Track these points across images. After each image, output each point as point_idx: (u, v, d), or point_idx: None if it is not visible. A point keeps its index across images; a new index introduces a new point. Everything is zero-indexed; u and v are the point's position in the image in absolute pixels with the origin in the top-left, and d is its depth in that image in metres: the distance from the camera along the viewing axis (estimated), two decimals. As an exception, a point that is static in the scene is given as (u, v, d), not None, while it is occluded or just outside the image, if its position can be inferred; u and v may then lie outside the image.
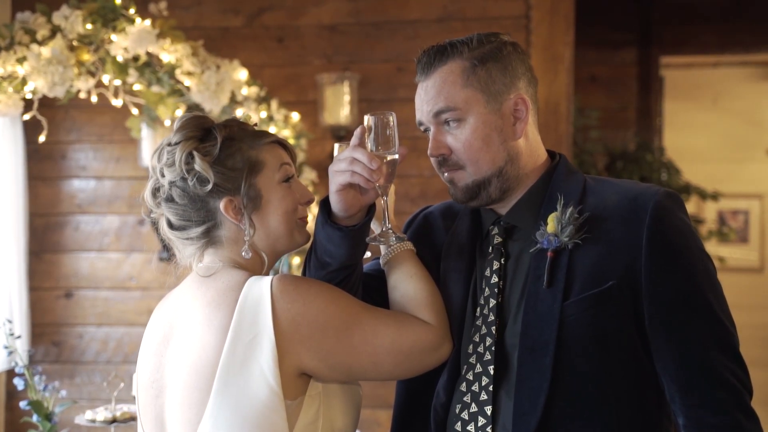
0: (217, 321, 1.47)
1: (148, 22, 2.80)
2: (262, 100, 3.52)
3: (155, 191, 1.59)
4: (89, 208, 4.16)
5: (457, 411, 1.57)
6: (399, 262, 1.64)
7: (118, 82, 2.83)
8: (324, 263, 1.60)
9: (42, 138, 2.89)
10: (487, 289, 1.60)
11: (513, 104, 1.58)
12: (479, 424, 1.54)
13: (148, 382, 1.58)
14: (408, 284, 1.61)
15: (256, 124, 1.65)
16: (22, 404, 2.92)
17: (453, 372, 1.60)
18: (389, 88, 3.96)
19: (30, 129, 3.87)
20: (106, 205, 4.15)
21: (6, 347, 2.94)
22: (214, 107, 3.06)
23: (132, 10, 2.78)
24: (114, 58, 2.74)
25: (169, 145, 1.57)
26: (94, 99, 2.85)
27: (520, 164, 1.60)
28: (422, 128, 1.63)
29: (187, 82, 2.97)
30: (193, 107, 3.08)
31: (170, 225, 1.59)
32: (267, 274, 1.60)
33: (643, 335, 1.50)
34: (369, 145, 1.55)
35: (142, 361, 1.61)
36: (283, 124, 3.64)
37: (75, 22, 2.65)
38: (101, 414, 3.08)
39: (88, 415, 3.10)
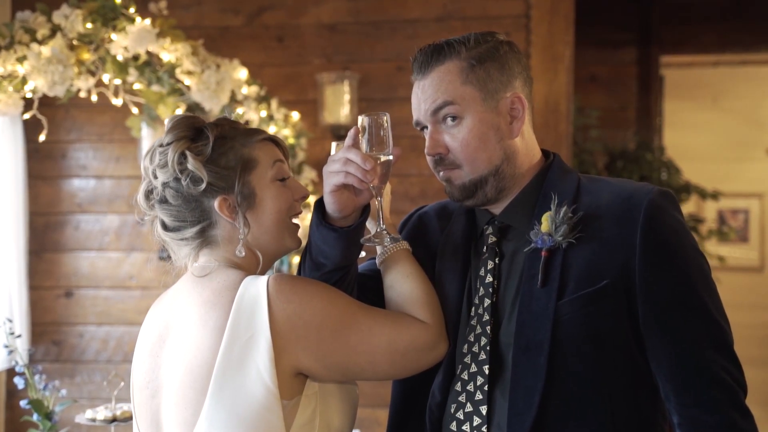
0: (212, 321, 1.47)
1: (148, 21, 2.80)
2: (262, 100, 3.52)
3: (148, 193, 1.59)
4: (89, 207, 4.16)
5: (453, 410, 1.58)
6: (395, 261, 1.64)
7: (118, 82, 2.83)
8: (319, 264, 1.61)
9: (42, 137, 2.89)
10: (481, 289, 1.60)
11: (510, 103, 1.58)
12: (474, 423, 1.54)
13: (143, 382, 1.58)
14: (404, 283, 1.61)
15: (247, 123, 1.64)
16: (23, 403, 2.92)
17: (448, 371, 1.60)
18: (389, 87, 3.96)
19: (30, 128, 3.87)
20: (107, 205, 4.15)
21: (6, 346, 2.94)
22: (214, 106, 3.05)
23: (132, 10, 2.77)
24: (114, 57, 2.74)
25: (161, 146, 1.56)
26: (94, 98, 2.85)
27: (516, 163, 1.60)
28: (419, 127, 1.63)
29: (187, 81, 2.97)
30: (193, 106, 3.08)
31: (165, 227, 1.59)
32: (263, 274, 1.60)
33: (638, 334, 1.50)
34: (363, 145, 1.55)
35: (138, 362, 1.61)
36: (283, 123, 3.65)
37: (75, 22, 2.65)
38: (101, 413, 3.08)
39: (89, 414, 3.10)
